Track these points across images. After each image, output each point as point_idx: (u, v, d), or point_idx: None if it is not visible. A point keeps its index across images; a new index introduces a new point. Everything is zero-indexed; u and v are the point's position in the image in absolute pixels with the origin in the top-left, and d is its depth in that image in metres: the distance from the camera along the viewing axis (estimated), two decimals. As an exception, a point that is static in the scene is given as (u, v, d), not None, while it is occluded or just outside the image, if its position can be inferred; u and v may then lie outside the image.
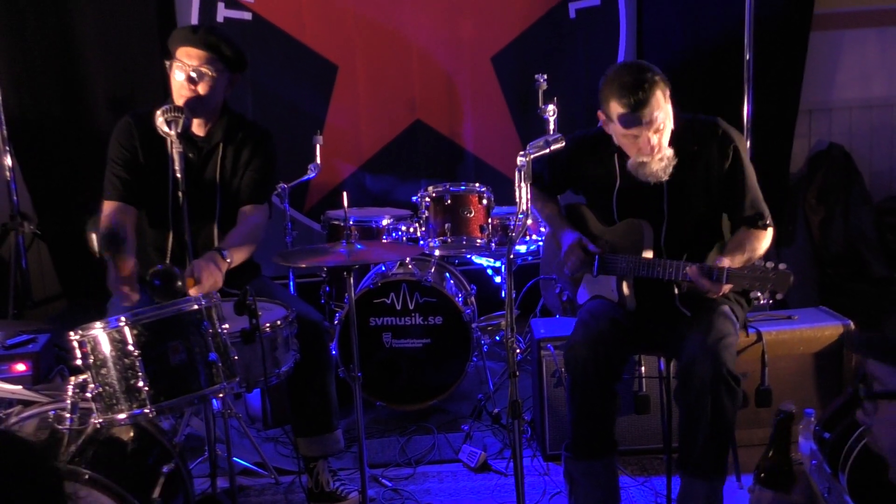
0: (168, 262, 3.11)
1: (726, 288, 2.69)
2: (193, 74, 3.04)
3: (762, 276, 2.59)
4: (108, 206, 3.08)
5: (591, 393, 2.83)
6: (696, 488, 2.76)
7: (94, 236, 2.67)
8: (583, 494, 2.94)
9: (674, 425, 2.95)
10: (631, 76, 2.77)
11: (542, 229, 4.25)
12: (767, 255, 2.87)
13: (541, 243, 4.27)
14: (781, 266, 2.57)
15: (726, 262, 2.68)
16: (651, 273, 2.83)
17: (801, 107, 5.14)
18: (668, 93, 2.80)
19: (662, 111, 2.77)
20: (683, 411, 2.77)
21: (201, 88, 3.05)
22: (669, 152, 2.85)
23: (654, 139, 2.80)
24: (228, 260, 2.86)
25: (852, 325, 3.49)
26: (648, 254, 2.89)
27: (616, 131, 2.87)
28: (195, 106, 3.06)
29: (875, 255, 5.00)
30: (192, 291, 2.69)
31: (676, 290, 2.90)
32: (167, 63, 3.09)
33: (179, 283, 2.56)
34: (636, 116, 2.75)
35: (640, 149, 2.82)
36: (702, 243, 2.94)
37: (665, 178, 2.86)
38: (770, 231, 2.88)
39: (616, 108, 2.79)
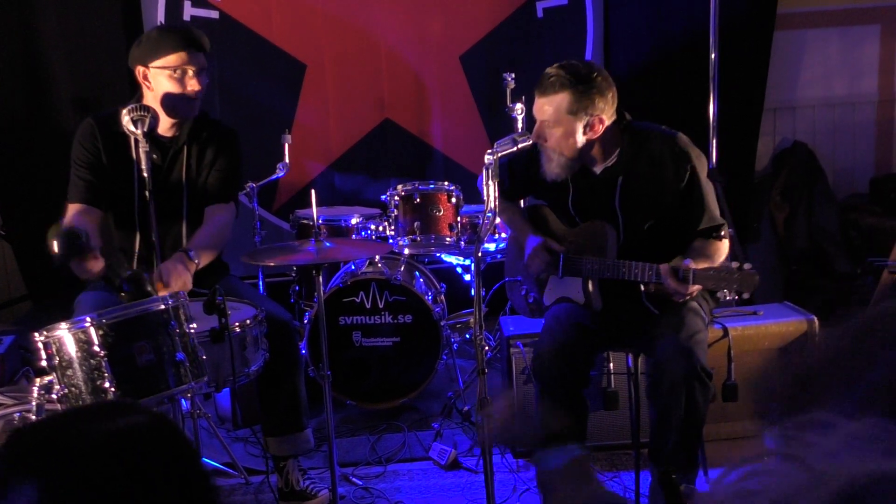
0: (136, 263, 3.09)
1: (694, 289, 2.65)
2: (201, 68, 3.03)
3: (728, 276, 2.58)
4: (71, 209, 3.05)
5: (559, 401, 2.87)
6: (668, 483, 2.79)
7: (54, 243, 2.49)
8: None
9: (643, 421, 2.98)
10: (556, 69, 2.75)
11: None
12: (734, 254, 2.89)
13: (510, 242, 4.29)
14: (747, 266, 2.58)
15: (692, 265, 2.63)
16: (617, 274, 2.80)
17: (766, 105, 5.19)
18: (581, 108, 2.71)
19: (553, 116, 2.74)
20: (656, 408, 2.78)
21: (204, 82, 3.05)
22: (563, 159, 2.81)
23: (545, 133, 2.79)
24: (196, 261, 2.85)
25: (816, 320, 3.54)
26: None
27: None
28: (195, 105, 3.06)
29: (838, 252, 5.08)
30: (161, 293, 2.67)
31: (643, 288, 2.90)
32: (169, 68, 2.98)
33: (149, 288, 2.54)
34: (535, 102, 2.79)
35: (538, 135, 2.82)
36: (655, 255, 2.78)
37: (558, 179, 2.86)
38: (726, 243, 2.85)
39: None
